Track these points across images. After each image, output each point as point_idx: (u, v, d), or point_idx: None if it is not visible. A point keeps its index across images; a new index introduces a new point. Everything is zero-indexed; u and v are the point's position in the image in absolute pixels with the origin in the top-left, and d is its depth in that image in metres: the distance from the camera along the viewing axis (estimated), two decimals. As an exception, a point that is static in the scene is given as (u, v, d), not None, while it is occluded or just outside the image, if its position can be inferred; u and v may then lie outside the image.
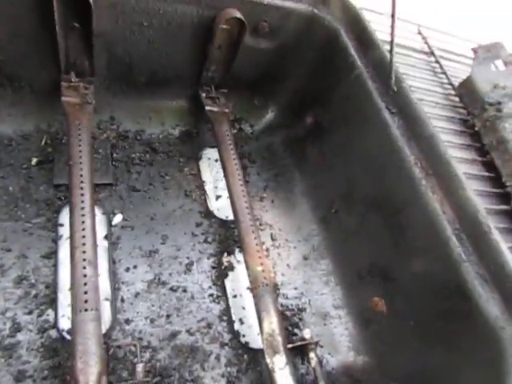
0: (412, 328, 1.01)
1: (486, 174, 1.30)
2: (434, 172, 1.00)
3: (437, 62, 1.59)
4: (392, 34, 1.10)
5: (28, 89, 1.18)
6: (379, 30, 1.28)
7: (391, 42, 1.10)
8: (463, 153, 1.34)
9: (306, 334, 1.05)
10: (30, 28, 1.05)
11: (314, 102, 1.34)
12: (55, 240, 1.07)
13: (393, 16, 1.10)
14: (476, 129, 1.38)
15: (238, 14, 1.15)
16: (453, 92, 1.51)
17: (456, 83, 1.52)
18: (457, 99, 1.48)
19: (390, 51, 1.11)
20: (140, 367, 0.89)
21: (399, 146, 1.06)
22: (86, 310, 0.86)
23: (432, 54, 1.62)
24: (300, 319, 1.16)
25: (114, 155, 1.26)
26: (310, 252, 1.26)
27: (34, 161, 1.16)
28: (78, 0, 0.99)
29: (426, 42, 1.65)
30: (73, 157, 1.04)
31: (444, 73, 1.56)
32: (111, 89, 1.27)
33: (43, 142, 1.21)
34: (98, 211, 1.14)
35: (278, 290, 1.19)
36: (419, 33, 1.68)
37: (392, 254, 1.07)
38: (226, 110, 1.34)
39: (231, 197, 1.18)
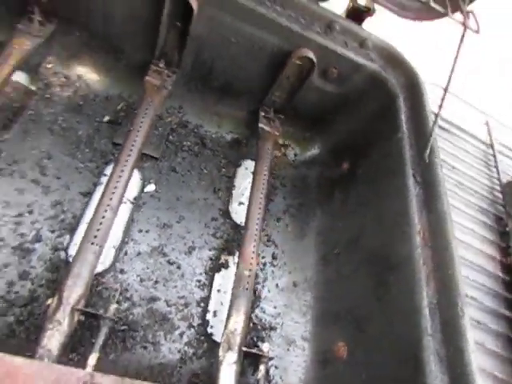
0: (363, 381, 1.04)
1: (501, 274, 1.28)
2: (432, 245, 1.03)
3: (493, 155, 1.60)
4: (440, 108, 1.17)
5: (124, 61, 1.42)
6: (436, 103, 1.35)
7: (436, 116, 1.17)
8: (485, 246, 1.33)
9: (265, 347, 1.11)
10: (141, 15, 1.29)
11: (354, 150, 1.43)
12: (95, 184, 1.26)
13: (445, 90, 1.15)
14: (507, 229, 1.37)
15: (311, 55, 1.30)
16: (498, 188, 1.50)
17: (505, 180, 1.52)
18: (499, 195, 1.48)
19: (433, 124, 1.18)
20: (113, 307, 1.01)
21: (410, 212, 1.11)
22: (92, 244, 1.02)
23: (491, 146, 1.63)
24: (268, 335, 1.22)
25: (170, 137, 1.45)
26: (301, 281, 1.33)
27: (106, 118, 1.38)
28: (186, 4, 1.21)
29: (490, 134, 1.67)
30: (134, 124, 1.24)
31: (496, 167, 1.56)
32: (188, 84, 1.47)
33: (119, 107, 1.43)
34: (137, 175, 1.32)
35: (260, 302, 1.27)
36: (486, 123, 1.70)
37: (371, 307, 1.10)
38: (276, 133, 1.48)
39: (249, 204, 1.30)
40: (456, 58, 1.03)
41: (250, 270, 1.17)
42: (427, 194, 1.14)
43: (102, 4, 1.26)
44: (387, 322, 1.04)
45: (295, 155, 1.60)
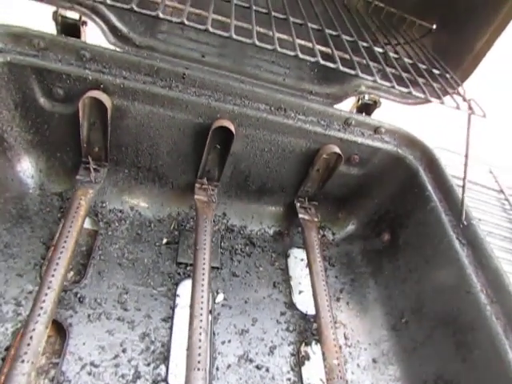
0: None
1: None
2: (497, 300, 1.15)
3: (506, 199, 1.79)
4: (465, 173, 1.34)
5: (170, 186, 1.56)
6: (450, 165, 1.54)
7: (463, 180, 1.33)
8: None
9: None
10: (183, 146, 1.46)
11: (391, 222, 1.58)
12: (172, 307, 1.33)
13: (466, 156, 1.33)
14: (543, 265, 1.51)
15: (337, 150, 1.48)
16: (521, 228, 1.67)
17: (523, 220, 1.69)
18: (524, 235, 1.64)
19: (463, 189, 1.35)
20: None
21: (467, 273, 1.23)
22: (198, 370, 1.08)
23: (502, 191, 1.82)
24: (365, 418, 1.26)
25: (222, 244, 1.56)
26: (379, 356, 1.40)
27: (164, 241, 1.49)
28: (225, 130, 1.38)
29: (497, 181, 1.87)
30: (199, 243, 1.35)
31: (512, 209, 1.75)
32: (228, 192, 1.62)
33: (172, 227, 1.55)
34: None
35: (347, 386, 1.32)
36: (490, 172, 1.91)
37: (459, 369, 1.18)
38: (316, 219, 1.62)
39: (314, 293, 1.39)
40: (468, 139, 1.22)
41: (337, 358, 1.24)
42: (476, 253, 1.27)
43: (149, 144, 1.42)
44: (480, 381, 1.12)
45: (333, 234, 1.73)
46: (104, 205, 1.49)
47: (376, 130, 1.53)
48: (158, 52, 1.36)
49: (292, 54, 1.05)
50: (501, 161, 1.94)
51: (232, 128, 1.37)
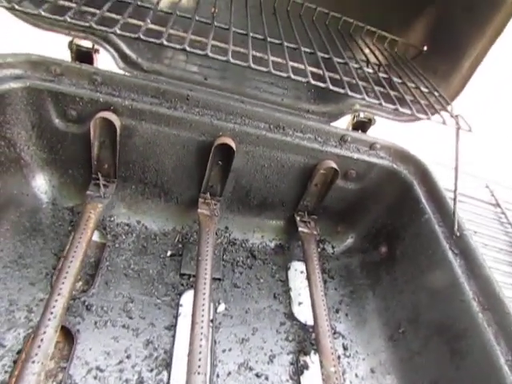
0: None
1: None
2: (489, 307, 1.18)
3: (503, 212, 1.83)
4: (455, 185, 1.39)
5: (175, 201, 1.64)
6: (444, 179, 1.59)
7: (454, 192, 1.38)
8: (527, 297, 1.48)
9: None
10: (187, 163, 1.54)
11: (388, 235, 1.63)
12: (175, 316, 1.38)
13: (456, 169, 1.38)
14: (539, 276, 1.54)
15: (334, 165, 1.55)
16: (517, 241, 1.70)
17: (520, 233, 1.72)
18: (521, 247, 1.67)
19: (454, 201, 1.40)
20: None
21: (460, 282, 1.27)
22: (198, 374, 1.12)
23: (498, 205, 1.86)
24: (364, 427, 1.28)
25: (224, 256, 1.62)
26: (377, 365, 1.42)
27: (169, 253, 1.56)
28: (226, 147, 1.46)
29: (493, 195, 1.91)
30: (201, 254, 1.41)
31: (509, 223, 1.78)
32: (230, 207, 1.69)
33: (176, 240, 1.61)
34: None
35: (346, 395, 1.35)
36: (487, 186, 1.96)
37: (453, 377, 1.21)
38: (315, 233, 1.67)
39: (313, 304, 1.43)
40: (457, 153, 1.28)
41: (334, 366, 1.27)
42: (468, 263, 1.31)
43: (155, 161, 1.51)
44: (474, 388, 1.15)
45: (333, 248, 1.78)
46: (112, 219, 1.57)
47: (371, 146, 1.60)
48: (163, 76, 1.47)
49: (285, 75, 1.14)
50: (497, 176, 1.99)
51: (233, 145, 1.46)
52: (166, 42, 0.99)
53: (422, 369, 1.31)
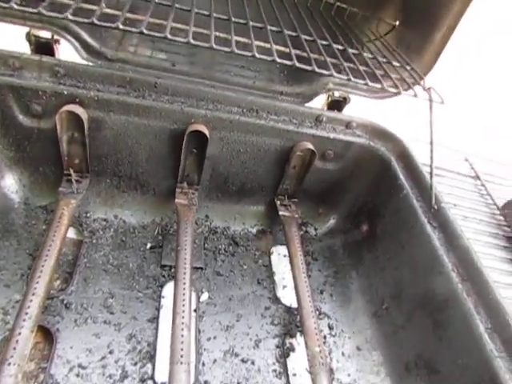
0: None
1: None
2: (468, 278, 1.19)
3: (482, 185, 1.83)
4: (431, 158, 1.38)
5: (152, 192, 1.61)
6: (423, 154, 1.58)
7: (431, 166, 1.37)
8: (508, 266, 1.49)
9: (357, 416, 1.19)
10: (161, 153, 1.51)
11: (369, 213, 1.62)
12: (158, 308, 1.37)
13: (431, 142, 1.37)
14: (519, 245, 1.55)
15: (310, 146, 1.53)
16: (497, 212, 1.71)
17: (500, 204, 1.72)
18: (501, 218, 1.68)
19: (431, 174, 1.39)
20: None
21: (439, 254, 1.27)
22: (181, 363, 1.11)
23: (478, 177, 1.87)
24: (352, 404, 1.29)
25: (206, 245, 1.60)
26: (362, 343, 1.43)
27: (149, 245, 1.53)
28: (200, 135, 1.43)
29: (472, 168, 1.91)
30: (180, 244, 1.39)
31: (489, 194, 1.78)
32: (209, 195, 1.66)
33: (156, 232, 1.59)
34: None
35: (333, 374, 1.35)
36: (466, 160, 1.96)
37: (436, 348, 1.21)
38: (296, 216, 1.66)
39: (296, 286, 1.43)
40: (431, 125, 1.27)
41: (319, 345, 1.27)
42: (447, 235, 1.31)
43: (128, 153, 1.48)
44: (456, 357, 1.15)
45: (316, 230, 1.77)
46: (88, 215, 1.54)
47: (347, 124, 1.58)
48: (129, 64, 1.42)
49: (269, 58, 1.11)
50: (477, 150, 2.00)
51: (206, 132, 1.43)
52: (121, 26, 0.95)
53: (407, 343, 1.32)
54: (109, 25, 0.96)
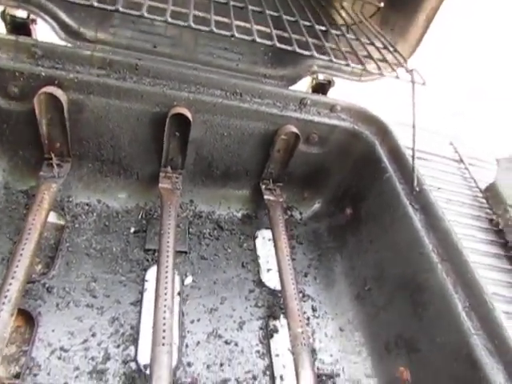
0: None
1: (510, 267, 1.46)
2: (447, 258, 1.20)
3: (466, 168, 1.85)
4: (413, 142, 1.38)
5: (135, 177, 1.60)
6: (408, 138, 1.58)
7: (413, 149, 1.38)
8: (488, 247, 1.52)
9: (338, 394, 1.21)
10: (143, 136, 1.49)
11: (353, 197, 1.63)
12: (141, 292, 1.37)
13: (413, 124, 1.37)
14: (500, 227, 1.57)
15: (295, 129, 1.52)
16: (480, 194, 1.73)
17: (483, 187, 1.74)
18: (484, 200, 1.69)
19: (413, 157, 1.40)
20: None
21: (420, 235, 1.28)
22: (163, 345, 1.12)
23: (461, 161, 1.88)
24: (334, 383, 1.31)
25: (190, 230, 1.60)
26: (345, 324, 1.45)
27: (132, 230, 1.53)
28: (182, 118, 1.42)
29: (457, 151, 1.93)
30: (163, 228, 1.38)
31: (472, 177, 1.80)
32: (194, 179, 1.66)
33: (140, 216, 1.58)
34: (175, 272, 1.45)
35: (316, 355, 1.37)
36: (451, 144, 1.97)
37: (416, 328, 1.23)
38: (281, 200, 1.66)
39: (279, 269, 1.44)
40: (413, 107, 1.27)
41: (301, 326, 1.28)
42: (428, 217, 1.32)
43: (110, 137, 1.46)
44: (435, 335, 1.17)
45: (301, 214, 1.78)
46: (70, 199, 1.52)
47: (332, 108, 1.57)
48: (109, 45, 1.40)
49: (249, 38, 1.10)
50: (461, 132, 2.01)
51: (189, 115, 1.41)
52: (96, 4, 0.93)
53: (388, 323, 1.34)
54: (82, 2, 0.93)
